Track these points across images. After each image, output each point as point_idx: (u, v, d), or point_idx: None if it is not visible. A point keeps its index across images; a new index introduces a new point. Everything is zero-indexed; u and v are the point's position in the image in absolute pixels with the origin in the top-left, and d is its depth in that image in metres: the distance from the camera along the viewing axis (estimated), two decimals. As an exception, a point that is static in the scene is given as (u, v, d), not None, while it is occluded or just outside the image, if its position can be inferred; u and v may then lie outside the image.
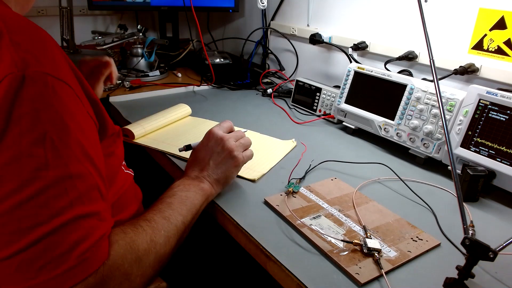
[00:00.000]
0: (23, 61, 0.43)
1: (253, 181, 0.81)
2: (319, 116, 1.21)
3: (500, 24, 0.92)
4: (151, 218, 0.58)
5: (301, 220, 0.67)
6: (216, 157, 0.73)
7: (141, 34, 1.52)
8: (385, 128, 1.00)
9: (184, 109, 1.13)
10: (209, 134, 0.76)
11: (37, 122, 0.43)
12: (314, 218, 0.69)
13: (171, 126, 1.07)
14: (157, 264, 0.56)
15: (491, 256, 0.49)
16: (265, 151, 0.94)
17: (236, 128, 0.81)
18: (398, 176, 0.85)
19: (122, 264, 0.48)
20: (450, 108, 0.87)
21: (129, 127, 0.96)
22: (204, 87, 1.44)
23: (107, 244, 0.48)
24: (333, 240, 0.63)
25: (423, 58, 1.09)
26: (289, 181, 0.79)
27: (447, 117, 0.87)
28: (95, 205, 0.47)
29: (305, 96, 1.28)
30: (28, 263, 0.42)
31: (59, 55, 0.48)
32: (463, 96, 0.86)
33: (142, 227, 0.55)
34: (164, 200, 0.64)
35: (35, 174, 0.43)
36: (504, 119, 0.78)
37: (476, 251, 0.50)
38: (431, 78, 0.93)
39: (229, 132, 0.77)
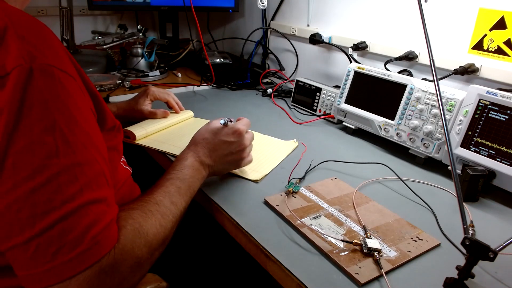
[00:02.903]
0: (29, 54, 0.45)
1: (255, 181, 0.81)
2: (319, 116, 1.21)
3: (500, 24, 0.92)
4: (161, 202, 0.60)
5: (301, 220, 0.67)
6: (229, 156, 0.76)
7: (141, 34, 1.52)
8: (385, 128, 1.00)
9: (187, 114, 1.13)
10: (238, 133, 0.76)
11: (46, 112, 0.45)
12: (314, 218, 0.69)
13: (173, 127, 1.07)
14: (162, 248, 0.58)
15: (491, 256, 0.49)
16: (267, 151, 0.94)
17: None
18: (398, 176, 0.85)
19: (132, 248, 0.50)
20: (450, 108, 0.87)
21: (130, 128, 0.96)
22: (204, 87, 1.44)
23: (116, 228, 0.50)
24: (333, 240, 0.63)
25: (423, 58, 1.09)
26: (289, 181, 0.79)
27: (447, 117, 0.87)
28: (103, 191, 0.49)
29: (305, 96, 1.28)
30: (43, 247, 0.44)
31: (60, 48, 0.50)
32: (463, 96, 0.86)
33: (152, 211, 0.57)
34: (173, 183, 0.66)
35: (47, 162, 0.44)
36: (504, 119, 0.78)
37: (476, 251, 0.50)
38: (431, 78, 0.93)
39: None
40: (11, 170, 0.43)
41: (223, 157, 0.75)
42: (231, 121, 0.79)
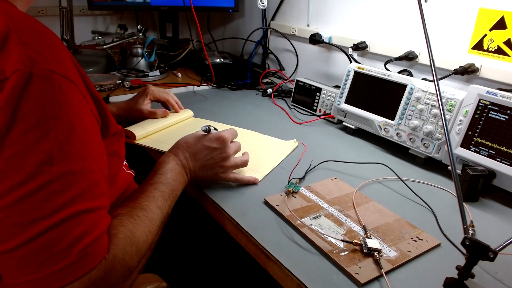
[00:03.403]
0: (30, 58, 0.44)
1: None
2: (319, 116, 1.21)
3: (500, 24, 0.92)
4: (147, 207, 0.59)
5: (301, 220, 0.67)
6: (211, 162, 0.75)
7: (141, 34, 1.52)
8: (385, 128, 1.00)
9: (187, 113, 1.13)
10: (222, 140, 0.75)
11: (42, 118, 0.44)
12: (314, 218, 0.69)
13: (173, 127, 1.07)
14: (149, 254, 0.58)
15: (491, 256, 0.49)
16: (267, 151, 0.94)
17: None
18: (398, 176, 0.85)
19: (123, 258, 0.49)
20: (450, 108, 0.87)
21: (130, 128, 0.96)
22: (204, 87, 1.44)
23: (107, 239, 0.49)
24: (333, 240, 0.63)
25: (423, 58, 1.09)
26: (289, 181, 0.79)
27: (447, 117, 0.87)
28: (97, 201, 0.48)
29: (305, 96, 1.28)
30: (29, 257, 0.43)
31: (65, 53, 0.49)
32: (463, 96, 0.86)
33: (140, 217, 0.56)
34: (157, 187, 0.65)
35: (39, 169, 0.43)
36: (504, 119, 0.78)
37: (476, 251, 0.50)
38: (431, 78, 0.93)
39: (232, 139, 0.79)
40: (2, 175, 0.42)
41: (205, 162, 0.74)
42: (215, 129, 0.78)
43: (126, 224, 0.53)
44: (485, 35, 0.95)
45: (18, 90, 0.43)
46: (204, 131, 0.77)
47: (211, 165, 0.75)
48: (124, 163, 0.72)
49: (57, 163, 0.44)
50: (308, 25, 1.46)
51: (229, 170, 0.78)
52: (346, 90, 1.10)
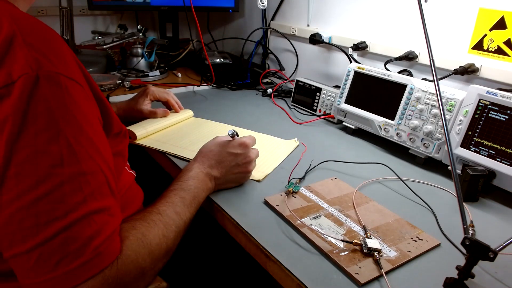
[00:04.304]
0: (36, 61, 0.44)
1: (258, 181, 0.81)
2: (319, 116, 1.21)
3: (500, 24, 0.92)
4: (163, 212, 0.60)
5: (301, 220, 0.67)
6: (235, 169, 0.76)
7: (141, 34, 1.52)
8: (385, 128, 1.00)
9: (187, 113, 1.13)
10: (244, 145, 0.77)
11: (51, 121, 0.45)
12: (314, 218, 0.69)
13: (173, 127, 1.07)
14: (166, 258, 0.58)
15: (491, 256, 0.49)
16: (269, 151, 0.94)
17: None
18: (398, 176, 0.85)
19: (136, 258, 0.50)
20: (450, 108, 0.87)
21: (130, 128, 0.96)
22: (204, 87, 1.44)
23: (119, 239, 0.49)
24: (333, 240, 0.63)
25: (423, 58, 1.09)
26: (289, 181, 0.79)
27: (447, 117, 0.87)
28: (106, 200, 0.49)
29: (305, 96, 1.28)
30: (46, 257, 0.43)
31: (69, 54, 0.49)
32: (463, 96, 0.86)
33: (154, 221, 0.57)
34: (177, 193, 0.65)
35: (51, 171, 0.44)
36: (504, 119, 0.78)
37: (476, 251, 0.50)
38: (431, 78, 0.93)
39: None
40: (15, 179, 0.43)
41: (230, 168, 0.75)
42: (237, 134, 0.79)
43: (138, 228, 0.54)
44: (485, 35, 0.95)
45: (26, 93, 0.43)
46: (231, 135, 0.78)
47: (236, 172, 0.76)
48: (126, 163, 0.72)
49: (68, 165, 0.45)
50: (308, 25, 1.46)
51: (250, 174, 0.79)
52: (346, 90, 1.10)
